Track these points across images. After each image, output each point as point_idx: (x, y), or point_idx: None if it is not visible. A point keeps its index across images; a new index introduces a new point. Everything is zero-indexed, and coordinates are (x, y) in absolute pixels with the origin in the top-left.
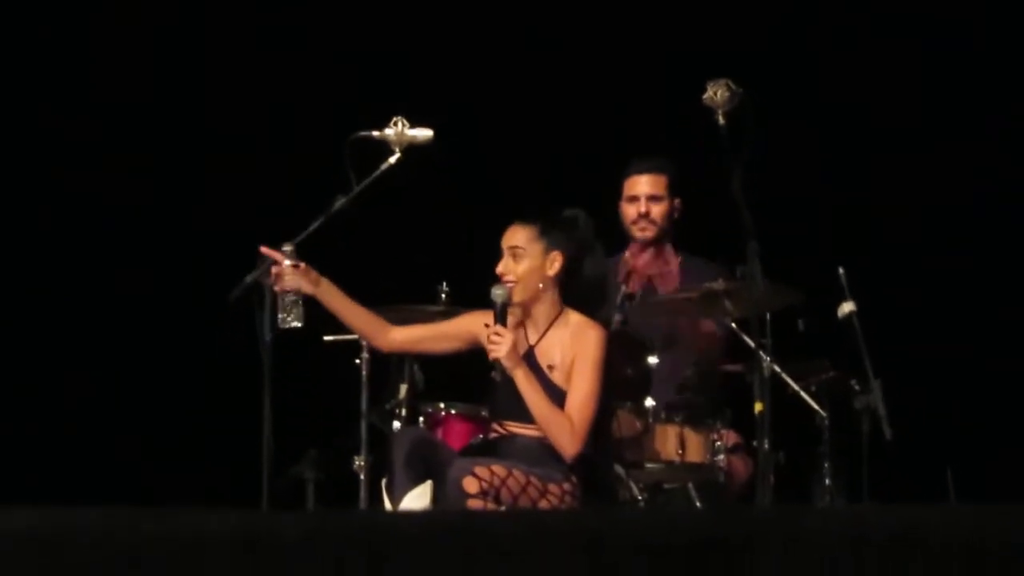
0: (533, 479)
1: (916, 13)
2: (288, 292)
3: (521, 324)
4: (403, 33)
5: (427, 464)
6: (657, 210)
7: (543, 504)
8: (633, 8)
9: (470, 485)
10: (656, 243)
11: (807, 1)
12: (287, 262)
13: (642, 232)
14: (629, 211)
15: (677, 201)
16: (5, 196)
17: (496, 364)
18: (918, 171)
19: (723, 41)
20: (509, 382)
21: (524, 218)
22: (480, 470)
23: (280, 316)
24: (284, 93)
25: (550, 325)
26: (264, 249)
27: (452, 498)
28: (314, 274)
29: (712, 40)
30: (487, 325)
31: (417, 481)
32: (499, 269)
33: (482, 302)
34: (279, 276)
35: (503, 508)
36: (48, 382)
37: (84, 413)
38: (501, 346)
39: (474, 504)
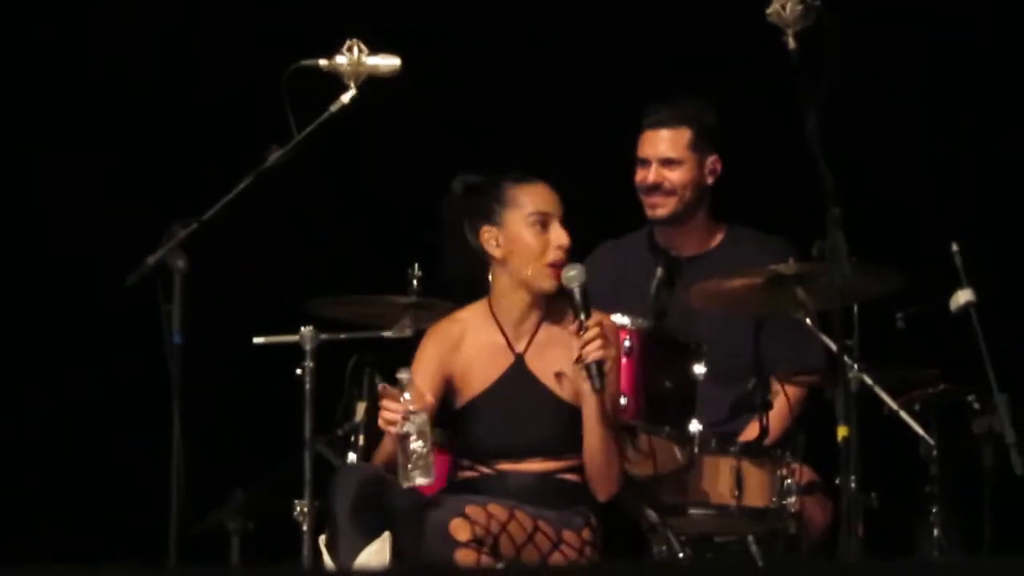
0: (543, 524)
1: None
2: (412, 437)
3: (530, 312)
4: (404, 30)
5: (382, 511)
6: (676, 177)
7: (556, 558)
8: None
9: (460, 530)
10: (681, 220)
11: None
12: (406, 395)
13: (653, 209)
14: (639, 179)
15: (711, 160)
16: (5, 196)
17: (592, 373)
18: None
19: None
20: (502, 407)
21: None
22: (473, 511)
23: (404, 470)
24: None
25: (542, 319)
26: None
27: (435, 548)
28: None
29: None
30: (579, 319)
31: (369, 534)
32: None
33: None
34: (401, 418)
35: (502, 563)
36: (48, 382)
37: (84, 413)
38: (607, 343)
39: (464, 556)
